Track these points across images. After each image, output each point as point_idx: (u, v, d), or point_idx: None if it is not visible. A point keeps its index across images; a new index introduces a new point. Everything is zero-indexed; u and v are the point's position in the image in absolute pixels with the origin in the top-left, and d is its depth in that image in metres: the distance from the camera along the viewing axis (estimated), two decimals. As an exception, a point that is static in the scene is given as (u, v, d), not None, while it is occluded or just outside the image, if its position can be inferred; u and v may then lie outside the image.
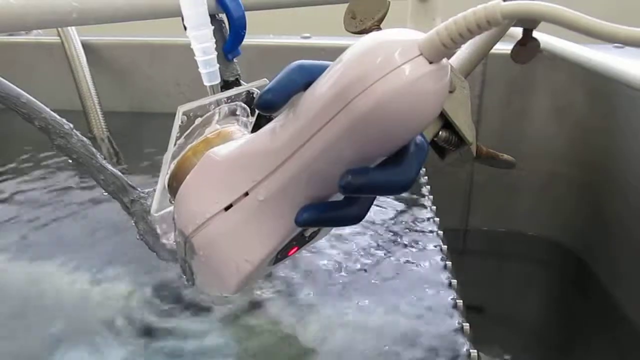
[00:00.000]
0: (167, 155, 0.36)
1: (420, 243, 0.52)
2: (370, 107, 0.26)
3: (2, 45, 0.91)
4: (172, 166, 0.37)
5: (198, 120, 0.36)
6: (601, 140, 0.79)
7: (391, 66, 0.25)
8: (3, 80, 0.39)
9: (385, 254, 0.50)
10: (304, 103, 0.29)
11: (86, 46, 0.83)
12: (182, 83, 0.88)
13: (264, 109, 0.29)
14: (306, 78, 0.30)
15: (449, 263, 0.48)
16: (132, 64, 0.89)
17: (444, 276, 0.47)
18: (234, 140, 0.36)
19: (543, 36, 0.76)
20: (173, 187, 0.37)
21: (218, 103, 0.36)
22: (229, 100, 0.37)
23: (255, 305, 0.43)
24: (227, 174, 0.32)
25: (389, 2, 0.36)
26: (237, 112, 0.38)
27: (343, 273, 0.48)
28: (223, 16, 0.50)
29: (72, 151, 0.42)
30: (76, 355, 0.39)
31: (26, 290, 0.47)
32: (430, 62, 0.25)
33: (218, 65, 0.40)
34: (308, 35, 0.88)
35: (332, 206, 0.31)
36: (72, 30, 0.82)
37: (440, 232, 0.54)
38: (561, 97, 0.83)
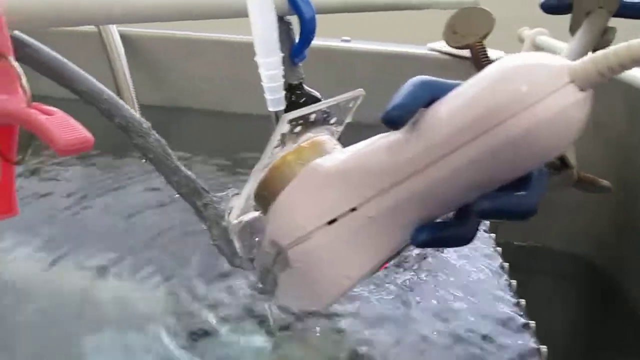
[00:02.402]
0: (261, 164, 0.35)
1: (476, 259, 0.52)
2: (518, 133, 0.25)
3: (37, 34, 0.89)
4: (262, 174, 0.36)
5: (287, 129, 0.35)
6: (635, 156, 0.79)
7: (545, 92, 0.24)
8: (87, 76, 0.38)
9: (443, 271, 0.49)
10: (433, 122, 0.28)
11: (122, 37, 0.82)
12: (216, 80, 0.87)
13: (390, 125, 0.28)
14: (429, 95, 0.29)
15: (513, 282, 0.48)
16: (167, 58, 0.87)
17: (508, 294, 0.46)
18: (337, 150, 0.35)
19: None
20: (262, 195, 0.36)
21: (319, 112, 0.35)
22: (327, 110, 0.36)
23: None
24: (333, 187, 0.32)
25: (495, 19, 0.35)
26: (331, 121, 0.37)
27: (404, 291, 0.47)
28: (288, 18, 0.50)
29: (149, 150, 0.41)
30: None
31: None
32: (581, 90, 0.25)
33: (284, 92, 0.40)
34: (348, 38, 0.87)
35: (447, 226, 0.30)
36: (111, 21, 0.80)
37: (499, 249, 0.53)
38: (601, 113, 0.83)
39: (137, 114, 0.41)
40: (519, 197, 0.27)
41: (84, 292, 0.45)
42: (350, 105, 0.37)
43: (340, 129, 0.39)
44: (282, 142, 0.35)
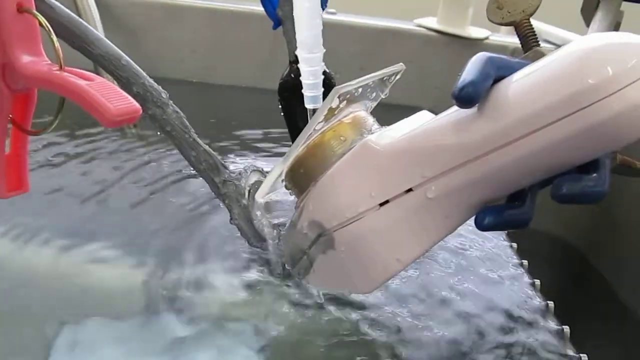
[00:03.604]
0: (300, 140, 0.33)
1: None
2: (607, 116, 0.24)
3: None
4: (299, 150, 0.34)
5: (336, 103, 0.33)
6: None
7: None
8: (104, 39, 0.35)
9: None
10: (504, 102, 0.27)
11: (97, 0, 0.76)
12: (198, 49, 0.83)
13: (465, 103, 0.27)
14: (496, 72, 0.28)
15: (525, 262, 0.48)
16: (145, 24, 0.82)
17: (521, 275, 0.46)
18: (383, 128, 0.33)
19: None
20: (298, 173, 0.34)
21: (365, 87, 0.33)
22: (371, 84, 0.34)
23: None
24: (388, 166, 0.30)
25: (543, -5, 0.34)
26: (371, 96, 0.36)
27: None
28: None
29: (167, 123, 0.38)
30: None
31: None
32: None
33: (322, 89, 0.39)
34: (334, 11, 0.85)
35: (509, 209, 0.29)
36: (84, -19, 0.75)
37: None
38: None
39: (155, 83, 0.38)
40: (593, 179, 0.27)
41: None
42: (391, 79, 0.36)
43: (374, 104, 0.38)
44: (326, 118, 0.33)
